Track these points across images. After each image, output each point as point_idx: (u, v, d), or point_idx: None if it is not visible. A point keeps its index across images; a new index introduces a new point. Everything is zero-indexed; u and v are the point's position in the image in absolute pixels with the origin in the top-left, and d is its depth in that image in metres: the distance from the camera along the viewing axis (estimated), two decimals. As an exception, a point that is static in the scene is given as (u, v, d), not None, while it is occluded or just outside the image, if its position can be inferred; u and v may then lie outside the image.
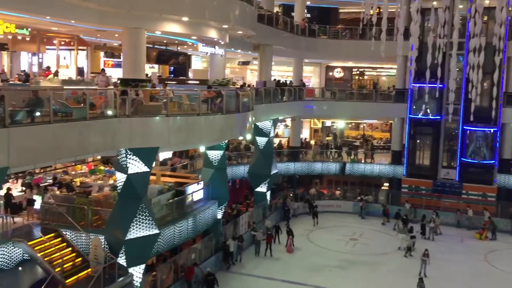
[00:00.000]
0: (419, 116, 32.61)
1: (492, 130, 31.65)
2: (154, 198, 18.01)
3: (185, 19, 17.82)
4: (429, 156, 33.64)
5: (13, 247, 15.38)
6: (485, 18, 29.51)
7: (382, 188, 35.60)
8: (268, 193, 29.33)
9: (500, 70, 27.13)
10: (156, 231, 16.48)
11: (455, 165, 32.74)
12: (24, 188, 18.79)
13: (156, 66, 28.06)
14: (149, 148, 15.81)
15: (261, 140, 28.24)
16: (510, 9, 24.10)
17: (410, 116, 33.27)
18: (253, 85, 28.81)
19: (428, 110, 32.23)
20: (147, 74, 21.31)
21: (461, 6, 27.20)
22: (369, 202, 32.55)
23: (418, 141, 33.87)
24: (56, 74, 18.80)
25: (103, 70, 20.96)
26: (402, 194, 32.93)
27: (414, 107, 33.04)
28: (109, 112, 14.99)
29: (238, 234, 24.10)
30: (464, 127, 32.00)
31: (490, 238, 28.03)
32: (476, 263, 24.47)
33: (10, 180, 18.93)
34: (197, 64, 33.48)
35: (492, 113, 23.48)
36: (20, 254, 15.60)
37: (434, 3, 29.51)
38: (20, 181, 19.64)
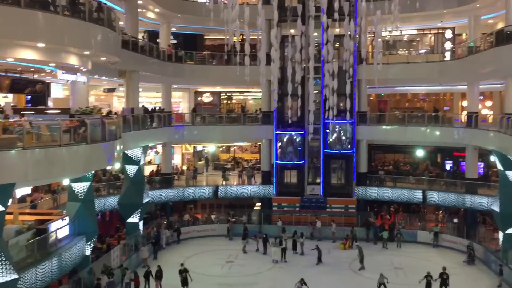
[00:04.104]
0: (285, 162, 34.98)
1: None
2: (11, 239, 16.38)
3: (41, 45, 16.74)
4: (296, 175, 35.43)
5: None
6: (337, 45, 32.45)
7: (255, 208, 36.57)
8: (141, 223, 28.43)
9: (352, 92, 29.95)
10: (15, 276, 14.93)
11: (319, 181, 34.92)
12: None
13: (10, 95, 25.80)
14: (3, 184, 14.40)
15: (131, 169, 27.40)
16: (356, 36, 26.78)
17: (277, 161, 35.01)
18: (120, 112, 27.90)
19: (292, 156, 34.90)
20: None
21: (315, 34, 29.58)
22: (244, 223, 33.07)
23: (285, 152, 35.38)
24: None
25: None
26: (274, 213, 34.16)
27: (280, 151, 35.02)
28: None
29: (110, 268, 22.85)
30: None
31: (352, 247, 30.20)
32: (343, 272, 26.16)
33: None
34: (58, 92, 31.47)
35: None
36: None
37: (292, 30, 31.69)
38: None
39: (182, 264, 23.31)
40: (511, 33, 23.39)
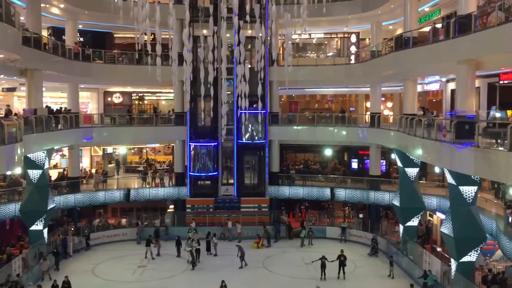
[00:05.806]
0: (198, 174, 34.71)
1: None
2: None
3: None
4: (209, 176, 35.36)
5: None
6: (249, 46, 32.90)
7: (168, 210, 36.00)
8: (45, 231, 26.87)
9: (264, 93, 30.56)
10: None
11: (233, 181, 35.16)
12: None
13: None
14: None
15: (34, 173, 25.82)
16: (268, 39, 27.34)
17: (191, 173, 34.66)
18: (20, 114, 26.21)
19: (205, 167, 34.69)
20: None
21: (228, 35, 29.76)
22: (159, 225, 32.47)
23: (198, 163, 35.18)
24: None
25: None
26: (187, 215, 33.85)
27: (193, 162, 34.63)
28: None
29: (11, 280, 21.34)
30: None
31: (266, 246, 30.82)
32: (256, 270, 26.55)
33: None
34: (-51, 91, 28.96)
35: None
36: None
37: (204, 31, 31.64)
38: None
39: None
40: (409, 38, 25.08)
